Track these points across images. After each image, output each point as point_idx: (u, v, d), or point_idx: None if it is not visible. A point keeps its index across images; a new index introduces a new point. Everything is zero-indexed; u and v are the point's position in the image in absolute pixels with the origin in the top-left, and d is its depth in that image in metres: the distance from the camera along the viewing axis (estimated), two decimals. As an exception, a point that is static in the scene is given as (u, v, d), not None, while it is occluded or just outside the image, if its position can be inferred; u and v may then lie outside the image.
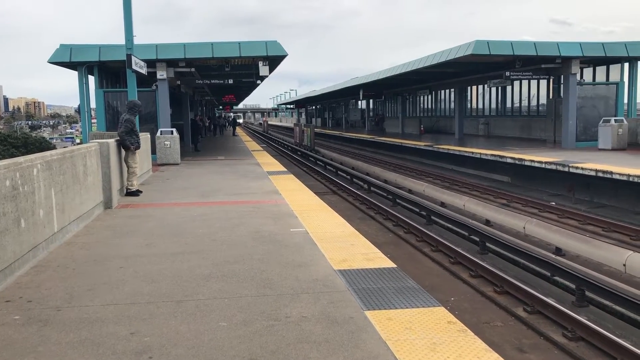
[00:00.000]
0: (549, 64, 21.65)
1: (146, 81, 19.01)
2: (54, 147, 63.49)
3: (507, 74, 22.14)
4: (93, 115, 21.40)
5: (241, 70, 22.78)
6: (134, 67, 14.47)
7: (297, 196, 10.40)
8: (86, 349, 3.65)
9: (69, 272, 5.50)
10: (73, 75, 19.36)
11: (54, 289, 4.95)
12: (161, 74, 18.90)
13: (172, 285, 4.98)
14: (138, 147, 10.87)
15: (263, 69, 19.11)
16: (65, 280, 5.22)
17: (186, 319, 4.15)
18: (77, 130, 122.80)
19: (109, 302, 4.56)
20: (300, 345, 3.65)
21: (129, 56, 14.27)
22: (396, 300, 4.49)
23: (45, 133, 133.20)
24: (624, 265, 8.48)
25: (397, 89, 42.12)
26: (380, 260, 5.72)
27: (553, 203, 15.19)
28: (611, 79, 23.52)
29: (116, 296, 4.71)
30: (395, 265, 5.52)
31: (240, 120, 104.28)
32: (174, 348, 3.63)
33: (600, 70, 24.29)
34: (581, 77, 22.65)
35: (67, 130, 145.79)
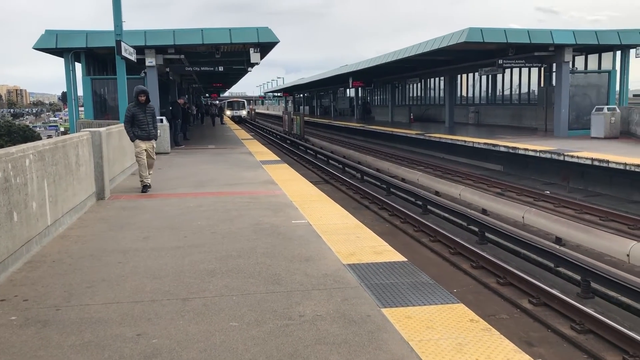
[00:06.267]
0: (542, 52, 21.55)
1: (134, 68, 18.58)
2: (38, 135, 62.72)
3: (500, 61, 21.99)
4: (80, 103, 20.95)
5: (232, 57, 22.42)
6: (123, 53, 14.09)
7: (294, 186, 10.18)
8: (91, 352, 3.43)
9: (66, 267, 5.25)
10: (57, 62, 19.01)
11: (51, 286, 4.71)
12: (150, 60, 18.50)
13: (175, 282, 4.76)
14: (138, 138, 10.00)
15: (254, 56, 18.79)
16: (63, 276, 4.97)
17: (194, 319, 3.94)
18: (61, 118, 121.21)
19: (110, 301, 4.33)
20: (318, 346, 3.46)
21: (118, 42, 13.88)
22: (412, 296, 4.32)
23: (28, 121, 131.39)
24: (628, 255, 8.39)
25: (387, 77, 41.87)
26: (390, 254, 5.54)
27: (547, 192, 15.14)
28: (603, 67, 23.49)
29: (118, 294, 4.48)
30: (405, 259, 5.34)
31: (244, 112, 66.32)
32: (185, 351, 3.42)
33: (592, 59, 24.24)
34: (573, 65, 22.59)
35: (51, 119, 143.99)
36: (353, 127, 38.45)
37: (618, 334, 6.01)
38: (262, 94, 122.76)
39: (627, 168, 13.34)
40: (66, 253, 5.76)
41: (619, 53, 22.52)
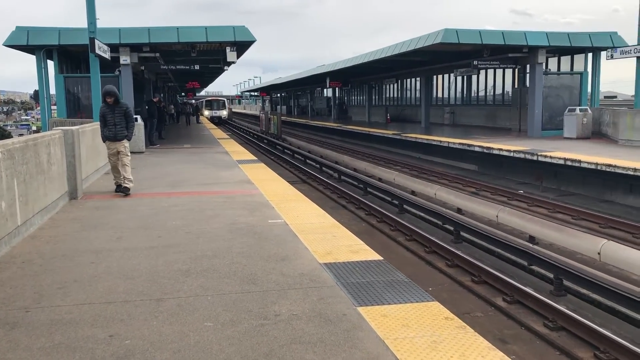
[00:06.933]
0: (516, 53, 21.85)
1: (109, 66, 18.32)
2: (9, 134, 61.38)
3: (475, 62, 22.24)
4: (52, 102, 20.57)
5: (208, 55, 22.25)
6: (97, 51, 13.87)
7: (270, 186, 10.14)
8: (61, 354, 3.36)
9: (36, 268, 5.14)
10: (29, 60, 18.64)
11: (20, 287, 4.60)
12: (124, 59, 18.25)
13: (149, 282, 4.69)
14: (107, 138, 9.77)
15: (231, 55, 18.68)
16: (33, 277, 4.86)
17: (168, 319, 3.89)
18: (33, 117, 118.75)
19: (82, 302, 4.25)
20: (294, 346, 3.44)
21: (92, 40, 13.65)
22: (388, 295, 4.33)
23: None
24: (599, 253, 8.55)
25: (364, 78, 42.02)
26: (366, 253, 5.55)
27: (521, 191, 15.35)
28: (575, 69, 23.90)
29: (90, 295, 4.40)
30: (382, 258, 5.36)
31: (224, 113, 58.19)
32: (159, 352, 3.37)
33: (565, 60, 24.64)
34: (546, 66, 22.94)
35: (22, 117, 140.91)
36: (330, 127, 38.50)
37: (589, 331, 6.12)
38: (239, 93, 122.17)
39: (599, 168, 13.59)
40: (37, 253, 5.64)
41: (590, 55, 22.93)
